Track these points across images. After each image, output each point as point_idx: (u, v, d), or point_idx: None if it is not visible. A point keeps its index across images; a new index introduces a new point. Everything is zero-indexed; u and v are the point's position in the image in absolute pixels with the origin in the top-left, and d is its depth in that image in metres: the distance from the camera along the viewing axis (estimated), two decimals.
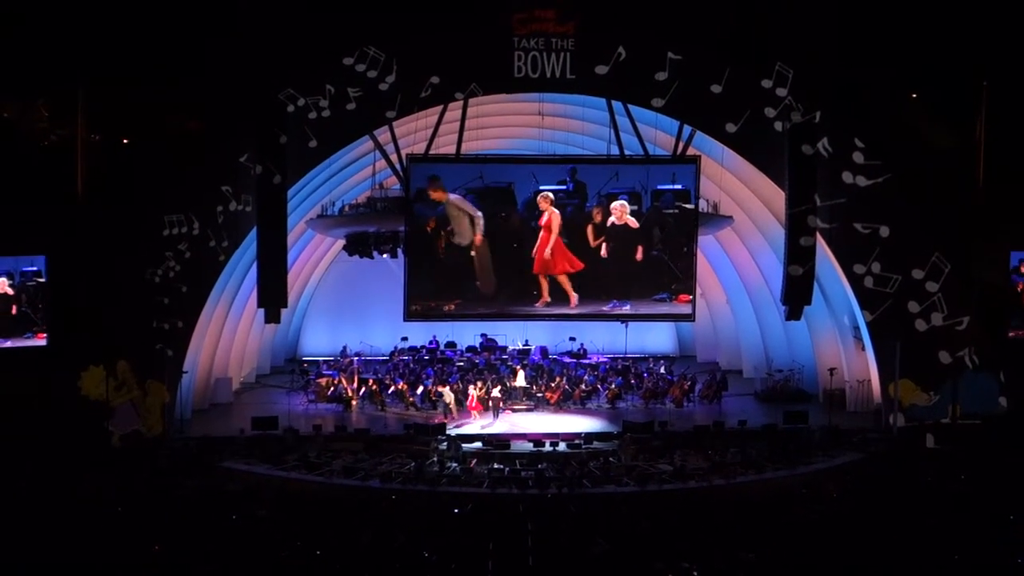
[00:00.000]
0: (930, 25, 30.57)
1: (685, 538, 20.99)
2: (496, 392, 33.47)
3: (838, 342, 34.40)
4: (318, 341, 42.20)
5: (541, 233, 32.81)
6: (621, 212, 32.78)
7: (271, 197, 30.70)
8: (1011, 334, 31.88)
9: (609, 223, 32.90)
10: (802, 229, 31.01)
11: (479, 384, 34.09)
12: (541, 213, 32.67)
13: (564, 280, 33.18)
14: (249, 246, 31.53)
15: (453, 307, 33.52)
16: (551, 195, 32.49)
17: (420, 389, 34.28)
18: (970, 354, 31.08)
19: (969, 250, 31.18)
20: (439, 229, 32.64)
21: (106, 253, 30.26)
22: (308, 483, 27.19)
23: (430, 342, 38.60)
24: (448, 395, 33.40)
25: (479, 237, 32.75)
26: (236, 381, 36.73)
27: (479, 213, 32.60)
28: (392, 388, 34.53)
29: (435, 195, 32.41)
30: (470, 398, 33.06)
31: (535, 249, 32.94)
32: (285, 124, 30.80)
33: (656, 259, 33.02)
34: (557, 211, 32.60)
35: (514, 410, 33.75)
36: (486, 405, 33.12)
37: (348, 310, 41.57)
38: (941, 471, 26.75)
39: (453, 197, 32.40)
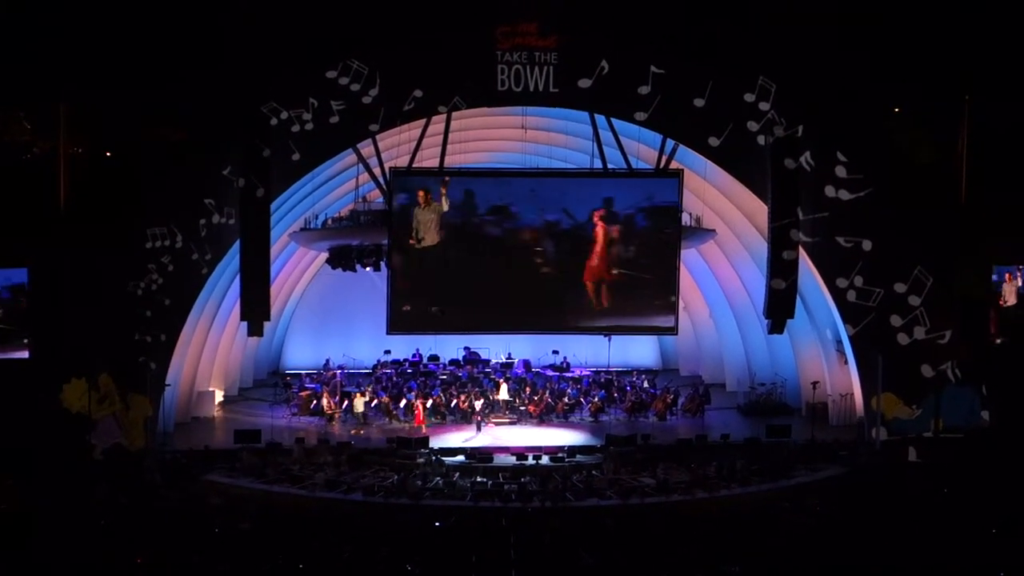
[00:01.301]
0: (913, 39, 30.61)
1: (668, 551, 21.01)
2: (479, 405, 33.44)
3: (821, 356, 34.45)
4: (301, 354, 42.15)
5: (595, 246, 32.87)
6: None
7: (254, 210, 30.62)
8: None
9: None
10: (785, 243, 31.01)
11: (463, 397, 34.11)
12: (595, 226, 32.71)
13: (603, 288, 33.12)
14: (232, 259, 31.45)
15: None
16: (604, 211, 32.54)
17: (403, 402, 34.23)
18: (952, 367, 31.14)
19: (951, 264, 31.25)
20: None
21: (88, 266, 30.12)
22: (291, 496, 27.12)
23: (413, 355, 38.55)
24: (358, 404, 33.63)
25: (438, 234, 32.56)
26: (219, 394, 36.62)
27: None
28: (375, 401, 34.44)
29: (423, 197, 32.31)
30: (416, 410, 33.11)
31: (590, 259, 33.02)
32: (268, 137, 30.71)
33: None
34: (605, 226, 32.59)
35: (497, 423, 33.70)
36: (430, 418, 33.25)
37: (331, 323, 41.57)
38: (923, 485, 26.82)
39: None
